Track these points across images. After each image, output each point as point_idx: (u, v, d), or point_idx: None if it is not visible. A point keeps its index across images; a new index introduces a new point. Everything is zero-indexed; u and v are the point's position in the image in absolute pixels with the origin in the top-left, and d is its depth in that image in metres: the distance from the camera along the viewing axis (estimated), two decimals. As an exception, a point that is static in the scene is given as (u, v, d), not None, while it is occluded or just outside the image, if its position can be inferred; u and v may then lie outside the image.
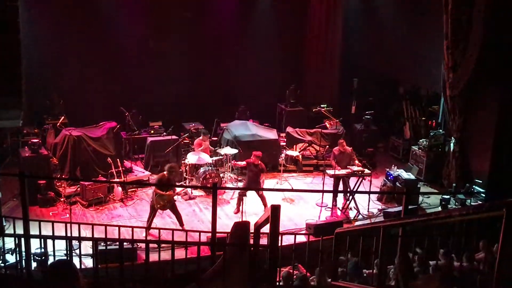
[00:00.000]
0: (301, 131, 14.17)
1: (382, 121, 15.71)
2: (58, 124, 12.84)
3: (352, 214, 11.40)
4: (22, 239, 6.44)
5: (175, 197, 10.48)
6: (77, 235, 8.90)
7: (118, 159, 12.02)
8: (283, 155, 13.20)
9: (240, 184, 12.34)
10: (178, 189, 10.46)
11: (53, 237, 7.54)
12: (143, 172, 12.72)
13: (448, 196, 12.00)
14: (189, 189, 12.10)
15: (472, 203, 11.77)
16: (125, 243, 8.92)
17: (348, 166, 11.57)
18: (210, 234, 8.26)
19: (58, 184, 11.49)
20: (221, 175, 12.43)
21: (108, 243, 8.47)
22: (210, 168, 12.21)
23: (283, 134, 14.60)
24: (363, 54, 16.41)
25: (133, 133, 13.56)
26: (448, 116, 12.66)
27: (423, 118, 15.03)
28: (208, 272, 5.86)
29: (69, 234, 8.93)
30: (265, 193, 11.31)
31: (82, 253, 8.26)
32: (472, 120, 12.29)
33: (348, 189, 11.58)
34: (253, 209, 11.09)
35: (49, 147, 12.13)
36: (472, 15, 11.48)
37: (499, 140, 11.59)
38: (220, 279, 4.97)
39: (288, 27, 16.08)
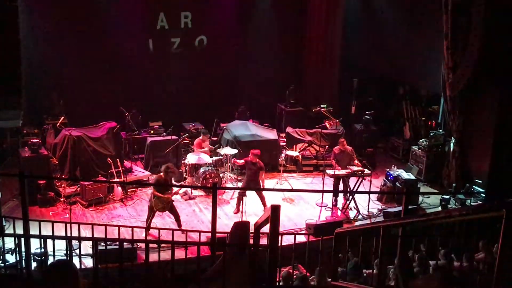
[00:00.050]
0: (301, 131, 14.17)
1: (382, 121, 15.71)
2: (58, 124, 12.84)
3: (352, 214, 11.40)
4: (22, 239, 6.45)
5: (174, 197, 10.48)
6: (77, 235, 8.91)
7: (118, 159, 12.02)
8: (283, 155, 13.21)
9: (240, 184, 12.33)
10: (175, 189, 10.44)
11: (53, 237, 7.55)
12: (143, 172, 12.72)
13: (448, 196, 12.00)
14: (189, 189, 12.11)
15: (472, 203, 11.78)
16: (125, 243, 8.93)
17: (348, 166, 11.57)
18: (210, 234, 8.28)
19: (58, 184, 11.49)
20: (221, 175, 12.43)
21: (108, 243, 8.47)
22: (210, 168, 12.21)
23: (283, 134, 14.59)
24: (363, 54, 16.40)
25: (133, 133, 13.56)
26: (448, 116, 12.66)
27: (423, 118, 15.03)
28: (208, 272, 5.87)
29: (69, 234, 8.95)
30: (265, 193, 11.32)
31: (82, 253, 8.27)
32: (472, 120, 12.29)
33: (348, 189, 11.58)
34: (253, 209, 11.10)
35: (49, 147, 12.13)
36: (472, 15, 11.48)
37: (499, 140, 11.59)
38: (220, 279, 4.97)
39: (288, 27, 16.07)
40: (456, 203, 11.99)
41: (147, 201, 10.56)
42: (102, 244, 8.49)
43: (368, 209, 11.54)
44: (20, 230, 7.40)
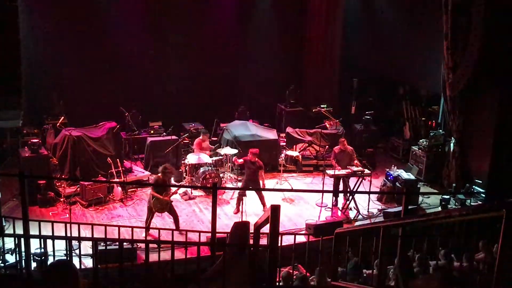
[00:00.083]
0: (301, 131, 14.17)
1: (382, 121, 15.71)
2: (58, 124, 12.84)
3: (352, 214, 11.40)
4: (22, 239, 6.45)
5: (174, 197, 10.48)
6: (76, 235, 8.91)
7: (118, 159, 12.01)
8: (283, 155, 13.20)
9: (240, 184, 12.34)
10: (173, 189, 10.44)
11: (53, 237, 7.54)
12: (143, 172, 12.72)
13: (448, 196, 12.00)
14: (189, 189, 12.11)
15: (472, 203, 11.78)
16: (125, 243, 8.93)
17: (348, 166, 11.57)
18: (210, 234, 8.28)
19: (58, 184, 11.48)
20: (221, 175, 12.43)
21: (108, 243, 8.46)
22: (210, 168, 12.21)
23: (283, 134, 14.60)
24: (363, 54, 16.41)
25: (133, 133, 13.56)
26: (448, 116, 12.66)
27: (423, 118, 15.03)
28: (208, 272, 5.87)
29: (68, 234, 8.94)
30: (264, 193, 11.32)
31: (82, 253, 8.26)
32: (472, 120, 12.29)
33: (348, 189, 11.58)
34: (253, 209, 11.09)
35: (49, 147, 12.13)
36: (472, 15, 11.48)
37: (499, 140, 11.59)
38: (220, 279, 4.97)
39: (288, 27, 16.07)
40: (456, 203, 11.99)
41: (147, 202, 10.56)
42: (102, 244, 8.49)
43: (368, 209, 11.54)
44: (20, 230, 7.39)
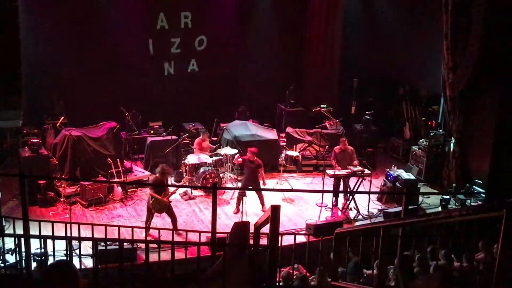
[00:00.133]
0: (301, 131, 14.17)
1: (382, 121, 15.70)
2: (58, 124, 12.83)
3: (352, 214, 11.40)
4: (22, 239, 6.45)
5: (174, 197, 10.49)
6: (77, 235, 8.91)
7: (118, 159, 12.02)
8: (283, 155, 13.21)
9: (240, 184, 12.33)
10: (171, 189, 10.44)
11: (53, 237, 7.54)
12: (143, 172, 12.72)
13: (448, 197, 12.00)
14: (189, 189, 12.12)
15: (472, 204, 11.77)
16: (125, 243, 8.93)
17: (348, 166, 11.57)
18: (210, 234, 8.28)
19: (58, 184, 11.49)
20: (221, 175, 12.43)
21: (108, 243, 8.46)
22: (210, 168, 12.21)
23: (283, 134, 14.59)
24: (363, 54, 16.41)
25: (133, 133, 13.56)
26: (448, 116, 12.66)
27: (423, 118, 15.03)
28: (208, 272, 5.87)
29: (69, 234, 8.94)
30: (264, 193, 11.31)
31: (82, 253, 8.28)
32: (472, 120, 12.29)
33: (348, 189, 11.57)
34: (253, 209, 11.10)
35: (49, 147, 12.13)
36: (472, 15, 11.48)
37: (499, 140, 11.59)
38: (220, 279, 4.97)
39: (288, 27, 16.07)
40: (456, 203, 11.99)
41: (147, 202, 10.57)
42: (102, 244, 8.49)
43: (368, 209, 11.54)
44: (20, 230, 7.40)
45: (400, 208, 10.32)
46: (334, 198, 11.61)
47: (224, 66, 15.59)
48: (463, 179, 12.43)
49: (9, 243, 8.74)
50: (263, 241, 5.83)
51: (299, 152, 13.63)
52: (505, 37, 11.04)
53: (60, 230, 8.87)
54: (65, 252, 7.70)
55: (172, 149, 12.65)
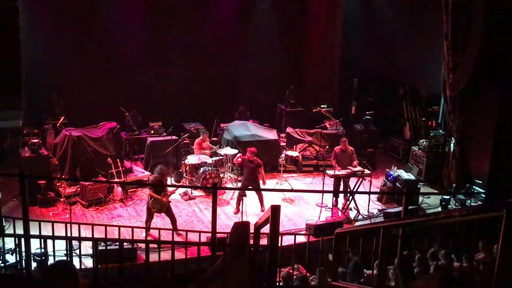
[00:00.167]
0: (301, 132, 14.18)
1: (382, 122, 15.71)
2: (58, 124, 12.83)
3: (352, 214, 11.39)
4: (22, 239, 6.45)
5: (174, 197, 10.48)
6: (77, 235, 8.91)
7: (118, 159, 12.01)
8: (283, 155, 13.20)
9: (240, 184, 12.33)
10: (171, 189, 10.44)
11: (53, 237, 7.53)
12: (143, 172, 12.71)
13: (448, 197, 12.00)
14: (189, 189, 12.12)
15: (472, 204, 11.78)
16: (125, 243, 8.93)
17: (348, 167, 11.57)
18: (210, 235, 8.28)
19: (58, 184, 11.49)
20: (221, 175, 12.43)
21: (108, 243, 8.46)
22: (210, 168, 12.21)
23: (283, 135, 14.60)
24: (363, 54, 16.41)
25: (133, 133, 13.56)
26: (448, 116, 12.66)
27: (423, 119, 15.03)
28: (208, 272, 5.87)
29: (69, 234, 8.94)
30: (264, 193, 11.31)
31: (82, 253, 8.28)
32: (472, 120, 12.29)
33: (348, 190, 11.57)
34: (253, 209, 11.10)
35: (49, 147, 12.12)
36: (472, 15, 11.48)
37: (499, 140, 11.59)
38: (220, 279, 4.97)
39: (288, 27, 16.08)
40: (456, 204, 11.99)
41: (146, 202, 10.57)
42: (102, 244, 8.49)
43: (368, 209, 11.54)
44: (20, 230, 7.40)
45: (400, 208, 10.32)
46: (334, 198, 11.61)
47: (224, 66, 15.60)
48: (463, 179, 12.43)
49: (9, 243, 8.74)
50: (263, 241, 5.84)
51: (299, 152, 13.63)
52: (505, 37, 11.04)
53: (60, 230, 8.87)
54: (65, 252, 7.69)
55: (172, 149, 12.65)
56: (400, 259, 5.36)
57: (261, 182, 11.30)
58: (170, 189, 10.46)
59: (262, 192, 11.26)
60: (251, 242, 6.09)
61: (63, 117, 13.04)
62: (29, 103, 13.13)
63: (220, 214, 10.80)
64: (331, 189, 11.52)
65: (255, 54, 15.71)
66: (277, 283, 6.21)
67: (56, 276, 3.18)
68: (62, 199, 11.19)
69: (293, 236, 7.40)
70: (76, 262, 7.98)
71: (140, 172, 12.75)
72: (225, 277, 4.93)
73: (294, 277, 7.41)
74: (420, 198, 12.09)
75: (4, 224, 8.82)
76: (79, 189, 11.37)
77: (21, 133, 12.79)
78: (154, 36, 14.72)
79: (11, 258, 8.47)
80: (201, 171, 12.19)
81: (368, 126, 14.81)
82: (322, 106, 15.58)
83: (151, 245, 6.31)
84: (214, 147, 13.15)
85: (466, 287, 5.61)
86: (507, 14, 11.02)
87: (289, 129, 14.24)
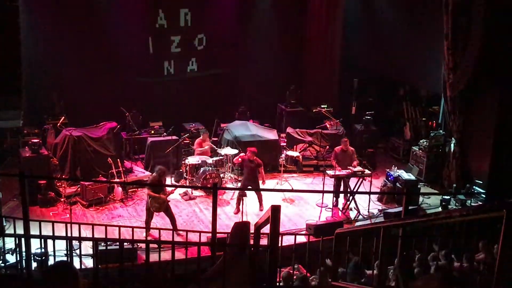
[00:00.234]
0: (301, 132, 14.18)
1: (382, 122, 15.71)
2: (58, 124, 12.83)
3: (352, 214, 11.40)
4: (22, 239, 6.45)
5: (174, 197, 10.49)
6: (77, 235, 8.91)
7: (118, 159, 12.02)
8: (283, 155, 13.20)
9: (240, 184, 12.33)
10: (169, 189, 10.44)
11: (53, 237, 7.54)
12: (144, 172, 12.72)
13: (448, 197, 12.00)
14: (189, 189, 12.12)
15: (473, 204, 11.77)
16: (125, 243, 8.93)
17: (348, 167, 11.57)
18: (210, 235, 8.28)
19: (58, 184, 11.49)
20: (221, 175, 12.43)
21: (108, 243, 8.47)
22: (210, 168, 12.21)
23: (283, 135, 14.60)
24: (363, 54, 16.41)
25: (133, 133, 13.56)
26: (448, 116, 12.66)
27: (423, 119, 15.03)
28: (208, 272, 5.87)
29: (69, 234, 8.94)
30: (265, 193, 11.31)
31: (82, 253, 8.29)
32: (472, 120, 12.29)
33: (349, 190, 11.57)
34: (253, 209, 11.10)
35: (49, 147, 12.13)
36: (472, 15, 11.48)
37: (499, 140, 11.59)
38: (220, 280, 4.97)
39: (288, 27, 16.07)
40: (457, 204, 11.99)
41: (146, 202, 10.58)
42: (102, 244, 8.49)
43: (368, 209, 11.54)
44: (20, 230, 7.41)
45: (400, 209, 10.31)
46: (334, 198, 11.61)
47: (224, 66, 15.59)
48: (463, 179, 12.43)
49: (10, 243, 8.74)
50: (264, 241, 5.83)
51: (299, 152, 13.64)
52: (505, 37, 11.04)
53: (60, 230, 8.88)
54: (65, 252, 7.69)
55: (172, 149, 12.65)
56: (400, 259, 5.36)
57: (260, 182, 11.29)
58: (168, 188, 10.47)
59: (262, 192, 11.26)
60: (251, 242, 6.09)
61: (63, 117, 13.03)
62: (29, 103, 13.13)
63: (220, 214, 10.80)
64: (332, 189, 11.52)
65: (255, 54, 15.71)
66: (277, 283, 6.21)
67: (56, 276, 3.18)
68: (62, 199, 11.20)
69: (293, 236, 7.41)
70: (76, 262, 7.98)
71: (140, 172, 12.75)
72: (225, 277, 4.93)
73: (294, 277, 7.41)
74: (421, 198, 12.10)
75: (4, 224, 8.82)
76: (79, 189, 11.38)
77: (21, 133, 12.79)
78: (154, 36, 14.69)
79: (11, 258, 8.48)
80: (201, 171, 12.19)
81: (368, 126, 14.81)
82: (322, 106, 15.57)
83: (151, 245, 6.31)
84: (214, 147, 13.14)
85: (466, 287, 5.61)
86: (507, 14, 11.02)
87: (289, 129, 14.25)
